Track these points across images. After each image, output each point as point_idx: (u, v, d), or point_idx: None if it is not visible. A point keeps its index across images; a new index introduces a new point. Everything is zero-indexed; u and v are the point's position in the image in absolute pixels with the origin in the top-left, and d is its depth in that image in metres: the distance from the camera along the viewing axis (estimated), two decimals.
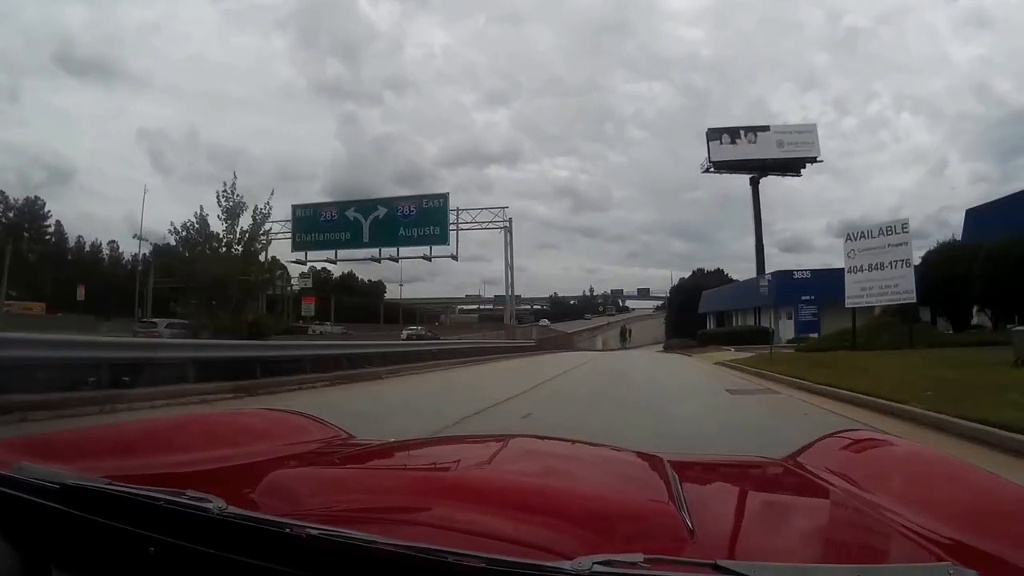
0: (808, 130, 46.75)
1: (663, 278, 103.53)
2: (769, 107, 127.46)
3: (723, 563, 0.54)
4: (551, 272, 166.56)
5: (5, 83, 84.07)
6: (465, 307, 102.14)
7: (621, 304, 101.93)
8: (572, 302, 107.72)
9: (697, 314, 48.03)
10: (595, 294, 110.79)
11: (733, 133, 46.37)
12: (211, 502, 0.65)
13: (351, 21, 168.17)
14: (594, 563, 0.54)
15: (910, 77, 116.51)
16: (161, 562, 0.65)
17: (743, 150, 45.67)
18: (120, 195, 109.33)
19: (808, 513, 0.98)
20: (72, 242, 57.35)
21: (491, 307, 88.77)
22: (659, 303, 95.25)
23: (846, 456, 1.21)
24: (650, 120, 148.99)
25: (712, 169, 47.82)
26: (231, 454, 1.16)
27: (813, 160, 46.01)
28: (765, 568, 0.56)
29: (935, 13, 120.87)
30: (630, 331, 70.96)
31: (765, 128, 46.46)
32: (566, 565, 0.55)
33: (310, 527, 0.60)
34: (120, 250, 58.99)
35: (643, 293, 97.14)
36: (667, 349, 42.64)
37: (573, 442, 1.40)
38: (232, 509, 0.64)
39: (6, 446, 0.96)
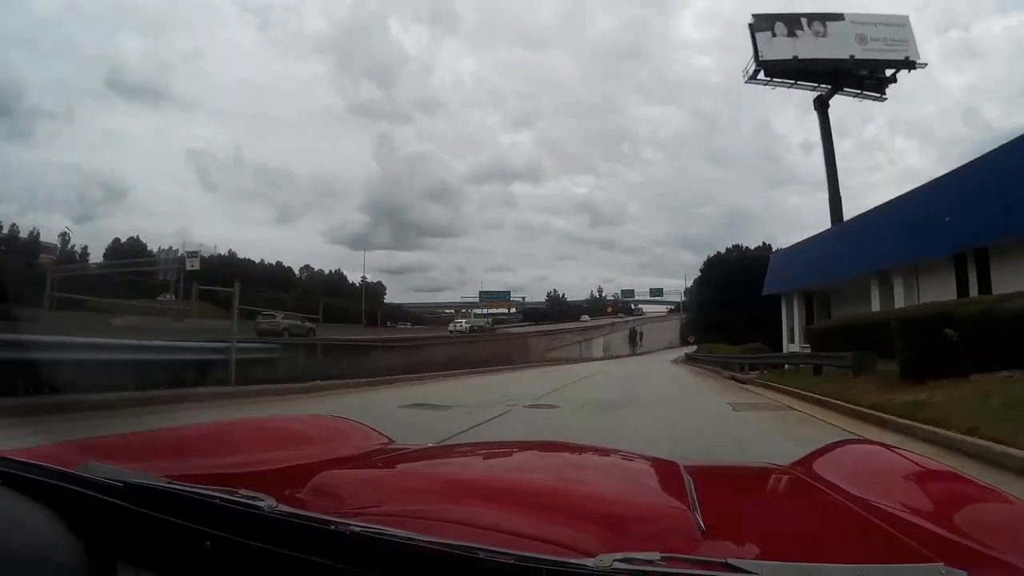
0: (900, 23, 29.50)
1: (675, 287, 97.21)
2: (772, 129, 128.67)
3: (733, 561, 0.59)
4: (570, 281, 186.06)
5: (61, 107, 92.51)
6: None
7: (634, 307, 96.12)
8: (583, 304, 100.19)
9: (743, 305, 32.37)
10: (604, 295, 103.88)
11: (791, 22, 29.36)
12: (263, 500, 0.69)
13: (384, 47, 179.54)
14: (614, 560, 0.58)
15: (904, 101, 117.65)
16: (216, 555, 0.69)
17: (808, 45, 28.97)
18: (170, 210, 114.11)
19: (812, 516, 1.01)
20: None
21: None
22: (672, 306, 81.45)
23: (849, 464, 1.24)
24: (663, 140, 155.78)
25: (761, 75, 30.27)
26: (280, 456, 1.21)
27: (911, 65, 29.21)
28: (771, 566, 0.60)
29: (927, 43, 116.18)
30: (641, 334, 66.35)
31: (838, 17, 29.30)
32: (588, 562, 0.59)
33: (353, 525, 0.65)
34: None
35: (655, 293, 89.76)
36: (693, 362, 30.53)
37: (594, 449, 1.54)
38: (282, 507, 0.68)
39: (74, 447, 1.02)
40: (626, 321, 79.01)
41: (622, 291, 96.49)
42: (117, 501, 0.74)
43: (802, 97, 31.56)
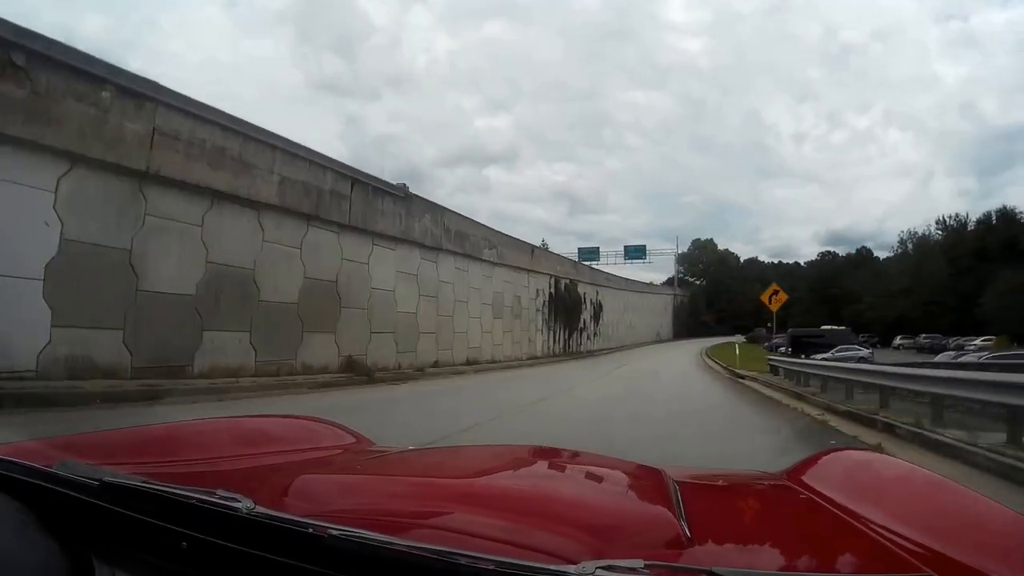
0: None
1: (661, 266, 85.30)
2: (763, 118, 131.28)
3: (718, 570, 0.57)
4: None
5: None
6: None
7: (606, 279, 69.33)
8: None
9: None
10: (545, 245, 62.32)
11: None
12: (240, 502, 0.68)
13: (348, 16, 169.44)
14: (597, 568, 0.57)
15: (900, 94, 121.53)
16: (193, 556, 0.68)
17: None
18: None
19: (799, 525, 1.01)
20: None
21: None
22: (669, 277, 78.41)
23: (838, 472, 1.22)
24: (647, 127, 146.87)
25: None
26: (259, 457, 1.21)
27: None
28: (757, 575, 0.62)
29: (926, 34, 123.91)
30: (597, 310, 38.77)
31: None
32: (570, 569, 0.58)
33: (331, 528, 0.63)
34: None
35: (633, 254, 62.59)
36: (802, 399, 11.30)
37: (579, 453, 1.51)
38: (259, 509, 0.67)
39: (49, 445, 1.00)
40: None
41: (579, 249, 57.29)
42: (93, 500, 0.73)
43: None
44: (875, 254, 72.82)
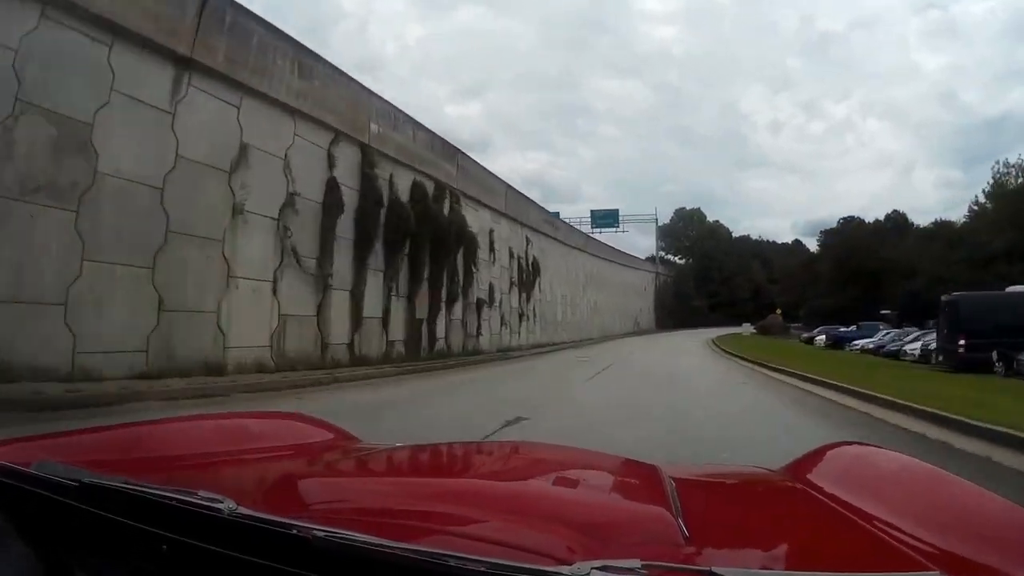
0: None
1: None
2: (741, 108, 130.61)
3: (718, 570, 0.55)
4: None
5: None
6: None
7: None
8: None
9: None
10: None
11: None
12: (222, 502, 0.66)
13: None
14: (592, 568, 0.55)
15: (880, 83, 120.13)
16: (174, 560, 0.66)
17: None
18: None
19: (801, 523, 0.99)
20: None
21: None
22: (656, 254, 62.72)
23: (840, 467, 1.20)
24: (623, 116, 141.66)
25: None
26: (242, 455, 1.18)
27: None
28: (758, 575, 0.59)
29: (905, 22, 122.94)
30: (530, 272, 23.16)
31: None
32: (564, 570, 0.56)
33: (316, 528, 0.61)
34: None
35: (607, 218, 48.61)
36: None
37: (573, 450, 1.49)
38: (242, 509, 0.65)
39: (26, 444, 0.98)
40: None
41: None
42: (71, 502, 0.71)
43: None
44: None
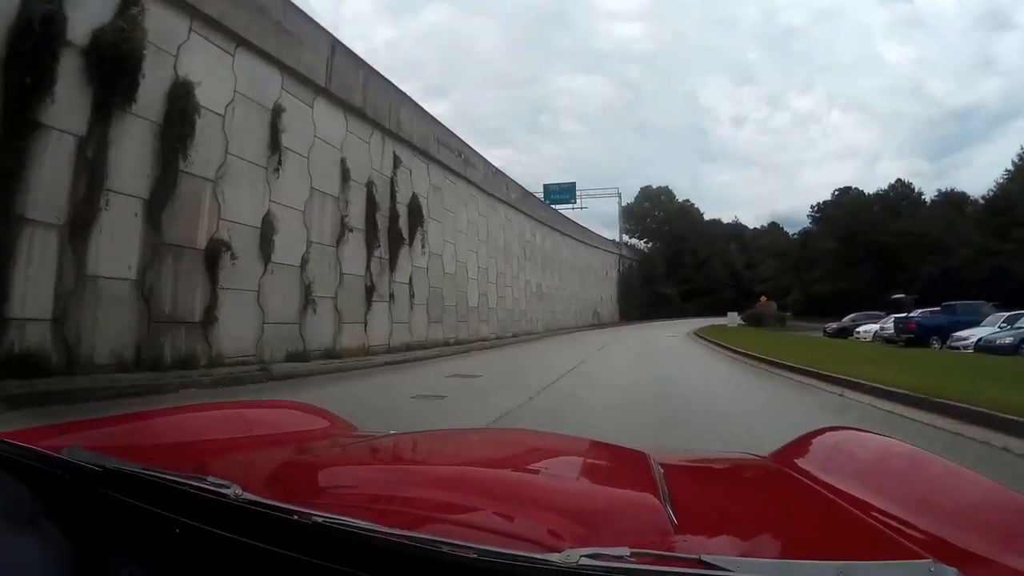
0: None
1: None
2: (701, 102, 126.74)
3: (707, 557, 0.56)
4: None
5: None
6: None
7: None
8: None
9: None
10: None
11: None
12: (229, 487, 0.68)
13: None
14: (581, 556, 0.56)
15: (844, 75, 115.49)
16: (186, 542, 0.68)
17: None
18: None
19: (791, 509, 0.98)
20: None
21: None
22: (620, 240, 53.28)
23: (830, 453, 1.20)
24: (585, 112, 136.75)
25: None
26: (248, 443, 1.21)
27: None
28: (747, 563, 0.59)
29: (870, 14, 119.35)
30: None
31: None
32: (554, 557, 0.56)
33: (315, 514, 0.63)
34: None
35: (563, 194, 41.67)
36: None
37: (564, 437, 1.55)
38: (247, 495, 0.67)
39: (54, 431, 1.00)
40: None
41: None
42: (96, 486, 0.74)
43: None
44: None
